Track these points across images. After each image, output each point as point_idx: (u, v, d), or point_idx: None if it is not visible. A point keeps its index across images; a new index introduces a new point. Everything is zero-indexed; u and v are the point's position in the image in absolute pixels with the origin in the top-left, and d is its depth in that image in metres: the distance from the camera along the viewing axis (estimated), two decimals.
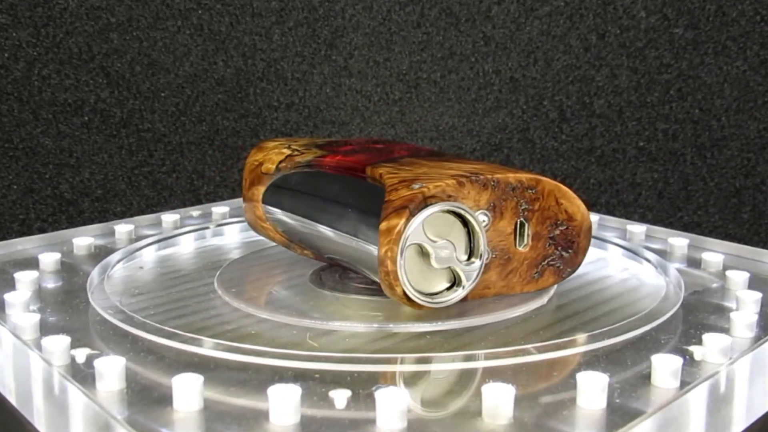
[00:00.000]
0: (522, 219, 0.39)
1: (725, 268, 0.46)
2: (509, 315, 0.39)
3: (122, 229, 0.52)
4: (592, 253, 0.51)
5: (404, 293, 0.36)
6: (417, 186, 0.36)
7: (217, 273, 0.45)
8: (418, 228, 0.35)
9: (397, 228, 0.35)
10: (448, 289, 0.37)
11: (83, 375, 0.31)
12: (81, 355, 0.33)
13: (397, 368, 0.32)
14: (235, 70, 0.77)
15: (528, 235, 0.39)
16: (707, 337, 0.33)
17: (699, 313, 0.39)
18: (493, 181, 0.38)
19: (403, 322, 0.37)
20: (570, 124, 0.78)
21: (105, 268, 0.45)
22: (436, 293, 0.37)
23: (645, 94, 0.77)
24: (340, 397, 0.29)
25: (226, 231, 0.54)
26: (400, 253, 0.35)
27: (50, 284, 0.43)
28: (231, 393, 0.30)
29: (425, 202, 0.35)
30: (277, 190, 0.45)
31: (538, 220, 0.39)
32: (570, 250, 0.40)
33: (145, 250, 0.50)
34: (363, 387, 0.30)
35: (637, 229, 0.53)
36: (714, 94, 0.76)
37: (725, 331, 0.36)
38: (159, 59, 0.76)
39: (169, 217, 0.55)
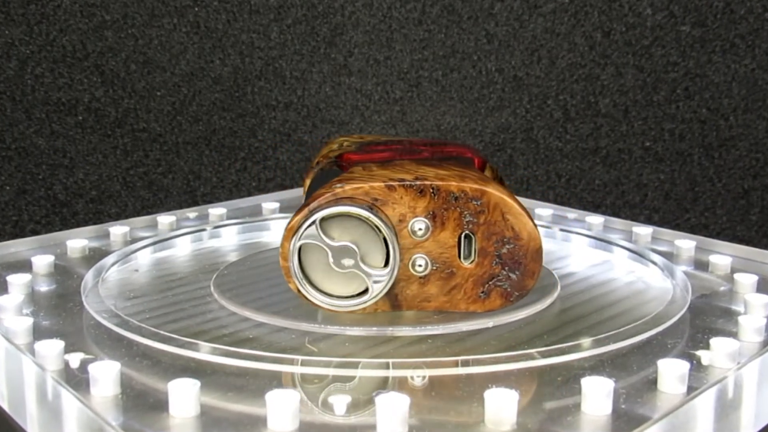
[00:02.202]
0: (468, 232, 0.37)
1: (733, 270, 0.46)
2: (512, 318, 0.39)
3: (117, 231, 0.52)
4: (598, 255, 0.51)
5: (298, 290, 0.37)
6: (338, 186, 0.37)
7: (214, 276, 0.45)
8: (312, 228, 0.36)
9: (290, 225, 0.36)
10: (360, 294, 0.37)
11: (77, 380, 0.31)
12: (75, 359, 0.33)
13: (397, 373, 0.32)
14: (233, 69, 0.77)
15: (474, 250, 0.37)
16: (715, 342, 0.33)
17: (706, 317, 0.39)
18: (432, 188, 0.37)
19: (404, 326, 0.37)
20: (575, 123, 0.78)
21: (99, 271, 0.45)
22: (347, 297, 0.37)
23: (651, 93, 0.77)
24: (340, 402, 0.29)
25: (223, 233, 0.54)
26: (293, 250, 0.36)
27: (43, 287, 0.43)
28: (228, 398, 0.30)
29: (336, 203, 0.36)
30: (310, 184, 0.46)
31: (483, 235, 0.37)
32: (517, 272, 0.37)
33: (141, 252, 0.50)
34: (363, 392, 0.31)
35: (643, 230, 0.53)
36: (722, 93, 0.76)
37: (733, 335, 0.36)
38: (154, 57, 0.76)
39: (164, 219, 0.55)
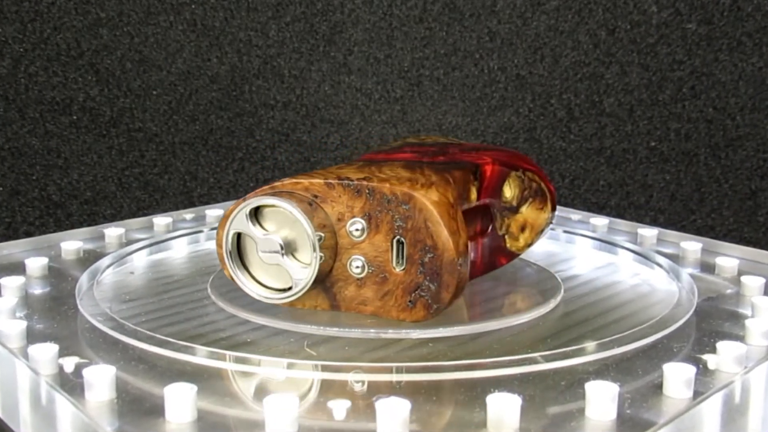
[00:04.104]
0: (400, 237, 0.37)
1: (740, 273, 0.46)
2: (515, 322, 0.39)
3: (112, 232, 0.52)
4: (602, 257, 0.51)
5: (231, 277, 0.38)
6: (280, 181, 0.38)
7: (211, 278, 0.45)
8: (240, 217, 0.37)
9: (226, 213, 0.38)
10: (288, 289, 0.38)
11: (72, 385, 0.31)
12: (69, 363, 0.33)
13: (398, 377, 0.32)
14: (230, 67, 0.77)
15: (404, 256, 0.37)
16: (721, 345, 0.33)
17: (713, 321, 0.39)
18: (368, 189, 0.37)
19: (405, 330, 0.37)
20: (578, 123, 0.78)
21: (94, 274, 0.46)
22: (278, 289, 0.38)
23: (656, 92, 0.77)
24: (339, 407, 0.29)
25: None
26: (226, 236, 0.38)
27: (37, 290, 0.43)
28: (225, 403, 0.30)
29: (272, 196, 0.37)
30: None
31: (411, 241, 0.36)
32: (436, 283, 0.36)
33: (136, 254, 0.50)
34: (363, 397, 0.31)
35: (649, 232, 0.53)
36: (728, 92, 0.76)
37: (740, 338, 0.36)
38: (150, 56, 0.76)
39: (161, 220, 0.55)
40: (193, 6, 0.76)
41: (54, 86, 0.75)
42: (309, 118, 0.79)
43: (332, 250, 0.37)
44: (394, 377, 0.32)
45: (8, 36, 0.73)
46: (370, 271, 0.37)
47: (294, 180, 0.38)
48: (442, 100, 0.78)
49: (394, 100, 0.79)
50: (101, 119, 0.76)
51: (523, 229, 0.44)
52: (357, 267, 0.37)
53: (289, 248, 0.37)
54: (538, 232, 0.45)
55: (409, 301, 0.37)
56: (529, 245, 0.45)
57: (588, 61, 0.77)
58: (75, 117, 0.76)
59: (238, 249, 0.38)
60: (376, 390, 0.31)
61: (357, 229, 0.37)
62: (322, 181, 0.37)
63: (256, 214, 0.37)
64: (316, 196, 0.37)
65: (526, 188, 0.44)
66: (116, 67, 0.76)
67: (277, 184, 0.38)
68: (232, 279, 0.38)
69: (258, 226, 0.37)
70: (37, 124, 0.75)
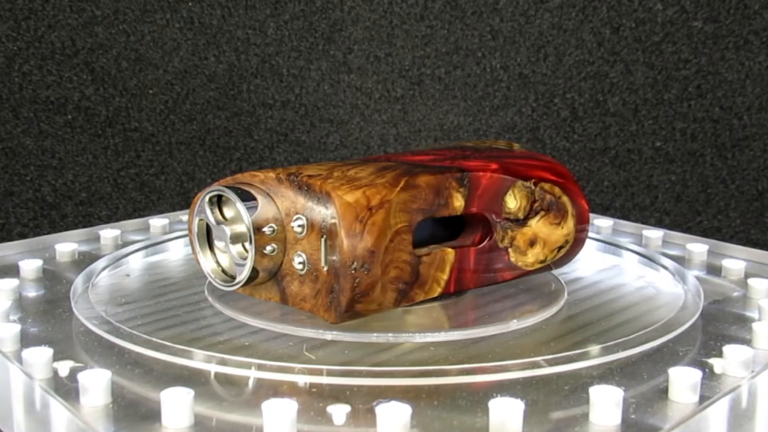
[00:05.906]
0: (325, 236, 0.36)
1: (747, 275, 0.46)
2: (518, 325, 0.39)
3: (108, 234, 0.52)
4: (606, 259, 0.51)
5: (196, 259, 0.40)
6: (242, 173, 0.39)
7: (208, 281, 0.45)
8: (202, 205, 0.39)
9: (193, 199, 0.39)
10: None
11: (66, 389, 0.31)
12: (64, 368, 0.33)
13: (399, 382, 0.33)
14: (228, 66, 0.77)
15: (328, 256, 0.37)
16: (728, 349, 0.33)
17: (719, 324, 0.39)
18: (306, 186, 0.37)
19: (406, 333, 0.37)
20: (582, 123, 0.78)
21: (89, 276, 0.46)
22: (232, 277, 0.39)
23: (662, 92, 0.77)
24: (339, 412, 0.29)
25: None
26: (195, 223, 0.40)
27: (31, 293, 0.43)
28: (223, 408, 0.30)
29: (230, 187, 0.38)
30: None
31: (330, 241, 0.36)
32: (338, 286, 0.36)
33: (132, 256, 0.50)
34: (363, 402, 0.31)
35: (654, 234, 0.53)
36: (735, 91, 0.76)
37: (747, 342, 0.36)
38: (147, 54, 0.76)
39: (157, 222, 0.55)
40: (190, 4, 0.76)
41: (48, 85, 0.75)
42: (308, 117, 0.79)
43: (284, 243, 0.38)
44: (325, 380, 0.32)
45: (2, 34, 0.73)
46: (308, 268, 0.37)
47: (253, 173, 0.38)
48: (444, 99, 0.79)
49: (395, 100, 0.79)
50: (96, 119, 0.76)
51: (532, 244, 0.42)
52: (299, 263, 0.37)
53: (240, 239, 0.38)
54: (555, 249, 0.43)
55: (330, 302, 0.37)
56: (542, 262, 0.43)
57: (592, 59, 0.77)
58: (70, 116, 0.76)
59: (209, 235, 0.40)
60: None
61: (299, 225, 0.37)
62: (273, 175, 0.38)
63: (220, 203, 0.39)
64: (270, 189, 0.38)
65: (537, 200, 0.42)
66: (112, 66, 0.76)
67: (238, 175, 0.39)
68: (197, 262, 0.40)
69: (220, 214, 0.39)
70: (32, 123, 0.75)
